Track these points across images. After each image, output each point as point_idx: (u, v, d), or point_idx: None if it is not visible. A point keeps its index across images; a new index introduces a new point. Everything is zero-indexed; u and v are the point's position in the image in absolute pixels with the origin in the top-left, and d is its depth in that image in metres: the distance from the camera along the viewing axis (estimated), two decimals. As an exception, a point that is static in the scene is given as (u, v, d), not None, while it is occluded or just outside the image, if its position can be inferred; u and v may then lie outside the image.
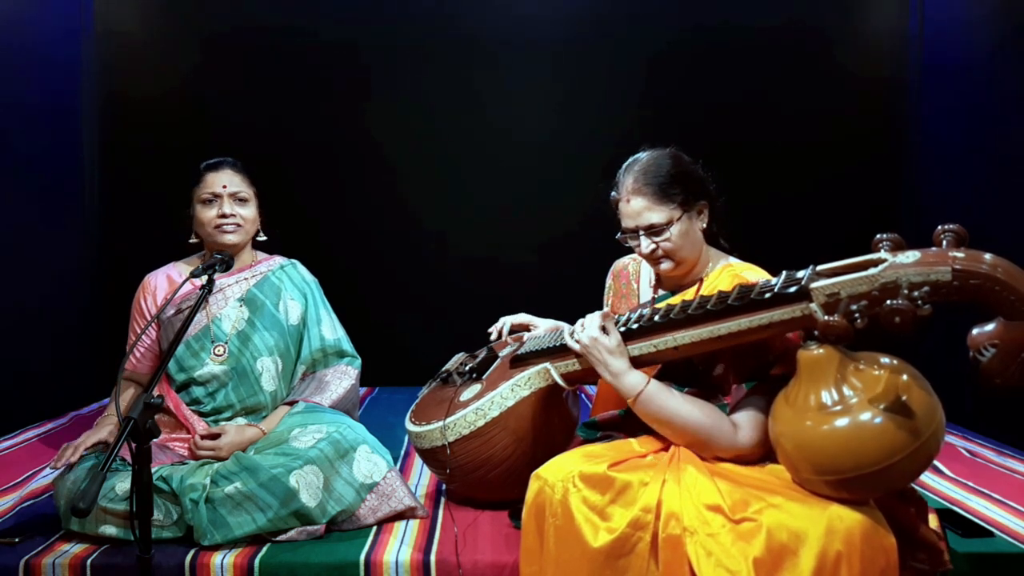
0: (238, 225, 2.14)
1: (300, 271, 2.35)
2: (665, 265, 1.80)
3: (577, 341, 1.72)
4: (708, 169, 1.86)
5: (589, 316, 1.73)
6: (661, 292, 1.91)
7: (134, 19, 3.82)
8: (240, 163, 2.22)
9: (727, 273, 1.79)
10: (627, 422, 1.77)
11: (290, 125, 3.84)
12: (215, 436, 2.02)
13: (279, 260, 2.33)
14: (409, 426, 2.08)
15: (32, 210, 3.24)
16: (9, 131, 3.08)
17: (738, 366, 1.66)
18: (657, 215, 1.75)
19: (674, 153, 1.83)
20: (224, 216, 2.12)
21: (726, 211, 1.86)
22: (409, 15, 3.87)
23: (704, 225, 1.82)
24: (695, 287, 1.81)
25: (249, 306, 2.19)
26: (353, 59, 3.88)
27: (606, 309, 2.06)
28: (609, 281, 2.09)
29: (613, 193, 1.86)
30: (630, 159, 1.85)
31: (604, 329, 1.68)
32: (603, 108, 3.89)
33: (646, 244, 1.77)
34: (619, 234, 1.84)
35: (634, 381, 1.62)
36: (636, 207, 1.77)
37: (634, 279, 2.00)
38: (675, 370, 1.74)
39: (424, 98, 3.90)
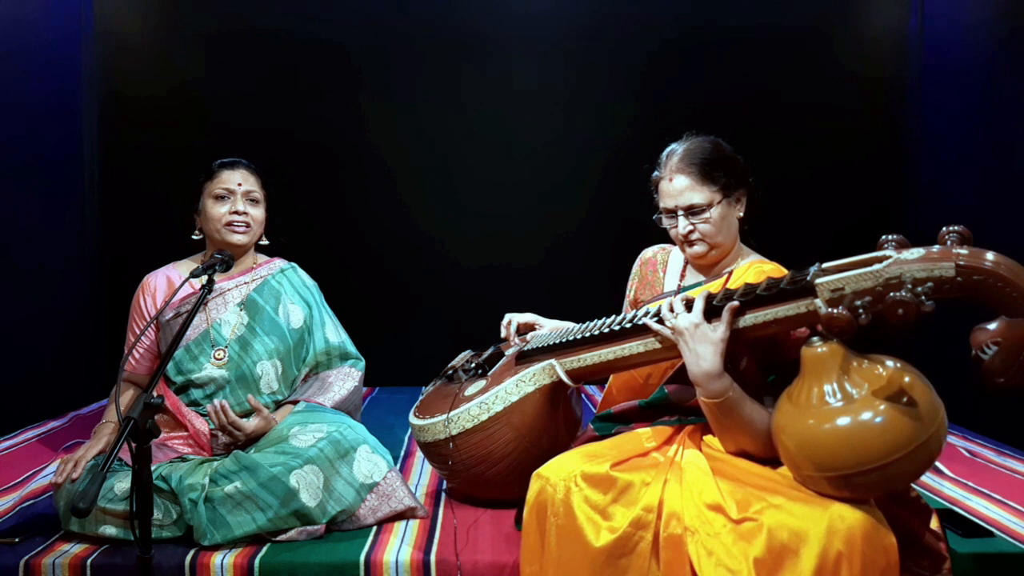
0: (248, 225, 2.14)
1: (300, 275, 2.35)
2: (699, 248, 1.79)
3: (660, 320, 1.57)
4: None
5: (695, 296, 1.55)
6: (685, 283, 1.91)
7: (134, 19, 3.82)
8: (254, 165, 2.22)
9: (754, 269, 1.78)
10: (645, 414, 1.76)
11: (291, 125, 3.83)
12: (245, 416, 2.03)
13: (279, 263, 2.32)
14: (413, 420, 2.07)
15: (32, 210, 3.23)
16: (9, 131, 3.08)
17: (757, 362, 1.64)
18: (699, 195, 1.75)
19: (718, 140, 1.84)
20: (237, 213, 2.12)
21: (761, 207, 1.86)
22: (409, 16, 3.86)
23: (741, 214, 1.82)
24: (723, 279, 1.80)
25: (249, 311, 2.18)
26: (353, 60, 3.87)
27: (629, 295, 2.05)
28: (636, 268, 2.07)
29: (655, 172, 1.86)
30: (673, 144, 1.86)
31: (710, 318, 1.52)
32: (605, 108, 3.89)
33: (683, 224, 1.77)
34: (656, 214, 1.84)
35: (725, 384, 1.51)
36: (679, 186, 1.77)
37: (660, 268, 2.00)
38: None
39: (424, 99, 3.89)
